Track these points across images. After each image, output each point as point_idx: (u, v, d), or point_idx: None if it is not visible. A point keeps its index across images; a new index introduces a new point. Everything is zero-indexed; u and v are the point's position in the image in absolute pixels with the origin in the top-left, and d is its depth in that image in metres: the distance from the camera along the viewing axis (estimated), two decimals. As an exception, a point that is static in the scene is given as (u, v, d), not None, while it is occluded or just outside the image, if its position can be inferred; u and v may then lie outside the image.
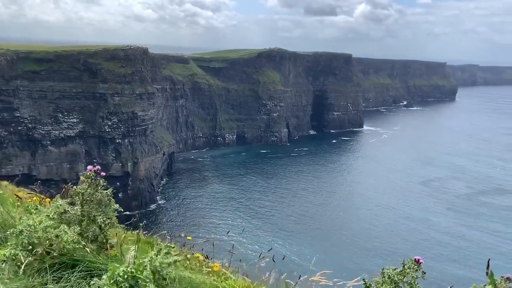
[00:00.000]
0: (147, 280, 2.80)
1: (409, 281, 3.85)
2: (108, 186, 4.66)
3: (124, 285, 2.75)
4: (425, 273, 3.89)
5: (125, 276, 2.80)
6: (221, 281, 5.81)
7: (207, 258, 7.31)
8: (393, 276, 3.87)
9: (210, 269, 6.57)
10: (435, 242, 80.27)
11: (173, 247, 3.15)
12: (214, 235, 71.96)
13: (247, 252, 60.04)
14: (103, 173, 4.23)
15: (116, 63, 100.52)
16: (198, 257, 7.25)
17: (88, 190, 3.96)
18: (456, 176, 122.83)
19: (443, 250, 76.94)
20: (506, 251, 78.21)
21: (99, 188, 4.04)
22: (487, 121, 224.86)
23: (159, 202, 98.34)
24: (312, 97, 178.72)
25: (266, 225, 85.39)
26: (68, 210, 3.79)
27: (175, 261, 3.02)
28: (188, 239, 8.45)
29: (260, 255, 7.68)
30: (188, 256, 7.34)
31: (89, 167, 4.19)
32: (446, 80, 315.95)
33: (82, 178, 4.15)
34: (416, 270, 3.90)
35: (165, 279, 2.87)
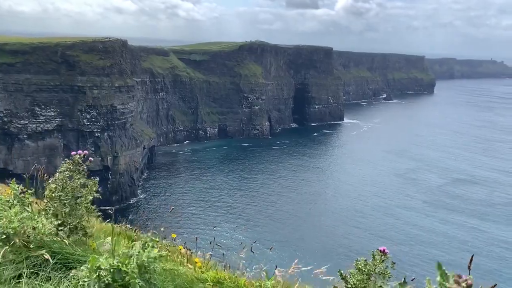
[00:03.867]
0: (135, 276, 2.73)
1: (381, 271, 3.93)
2: (93, 177, 4.58)
3: (107, 278, 2.68)
4: (394, 263, 3.96)
5: (111, 270, 2.76)
6: (203, 273, 5.82)
7: (189, 250, 7.31)
8: (364, 268, 3.96)
9: (192, 261, 6.57)
10: (411, 234, 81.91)
11: (157, 241, 3.09)
12: (196, 228, 71.88)
13: (228, 244, 60.18)
14: (91, 159, 4.12)
15: (94, 55, 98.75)
16: (180, 249, 7.24)
17: (68, 181, 3.88)
18: (431, 169, 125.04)
19: (419, 243, 78.58)
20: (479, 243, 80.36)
21: (82, 173, 3.96)
22: (462, 114, 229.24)
23: (140, 196, 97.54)
24: (293, 90, 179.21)
25: (247, 217, 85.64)
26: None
27: (160, 256, 2.97)
28: (173, 237, 8.40)
29: (251, 248, 7.71)
30: (170, 248, 7.32)
31: (78, 151, 4.08)
32: (424, 73, 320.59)
33: (63, 165, 4.05)
34: (383, 261, 3.98)
35: (149, 273, 2.81)
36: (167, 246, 7.10)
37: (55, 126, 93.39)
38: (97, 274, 2.76)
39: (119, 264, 2.82)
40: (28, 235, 3.29)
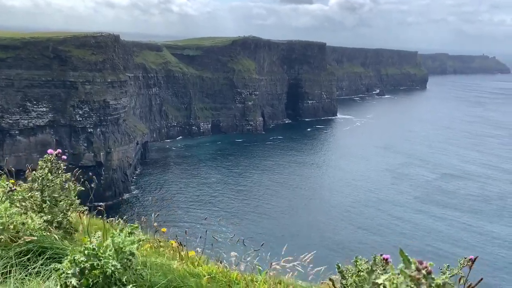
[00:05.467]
0: (110, 258, 2.73)
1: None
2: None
3: (84, 264, 2.68)
4: None
5: (87, 253, 2.76)
6: (195, 267, 5.84)
7: (181, 245, 7.31)
8: (364, 272, 4.02)
9: (184, 256, 6.57)
10: (403, 229, 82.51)
11: (137, 227, 3.10)
12: (189, 223, 71.89)
13: (221, 239, 60.26)
14: (64, 157, 4.11)
15: (86, 50, 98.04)
16: (172, 244, 7.23)
17: (48, 175, 3.86)
18: (423, 164, 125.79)
19: (411, 238, 79.20)
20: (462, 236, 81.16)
21: (60, 172, 3.95)
22: (454, 109, 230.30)
23: (133, 192, 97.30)
24: (287, 85, 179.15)
25: (241, 213, 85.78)
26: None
27: (139, 240, 2.96)
28: (163, 231, 8.39)
29: (243, 241, 7.73)
30: (162, 243, 7.31)
31: (50, 150, 4.07)
32: (417, 68, 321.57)
33: (40, 162, 4.04)
34: (384, 269, 4.04)
35: (129, 260, 2.81)
36: (159, 241, 7.09)
37: (47, 121, 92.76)
38: (74, 260, 2.76)
39: (95, 248, 2.82)
40: (18, 231, 3.28)
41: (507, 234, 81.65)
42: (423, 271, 2.34)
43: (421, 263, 2.39)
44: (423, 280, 2.31)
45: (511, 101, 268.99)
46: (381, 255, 4.26)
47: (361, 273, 4.29)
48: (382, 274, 2.59)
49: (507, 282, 63.99)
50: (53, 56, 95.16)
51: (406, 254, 2.44)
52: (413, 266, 2.39)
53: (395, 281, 2.43)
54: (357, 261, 4.40)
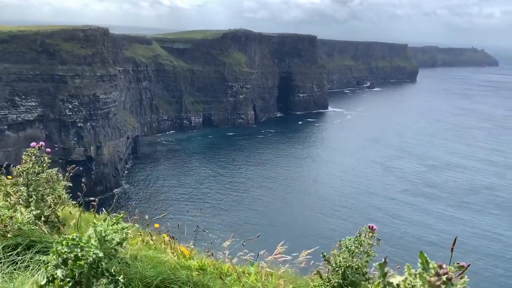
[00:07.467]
0: (93, 247, 2.70)
1: (365, 250, 4.01)
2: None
3: (67, 255, 2.65)
4: (379, 239, 4.04)
5: (65, 243, 2.73)
6: (186, 260, 5.84)
7: (173, 238, 7.31)
8: (350, 246, 4.04)
9: (175, 249, 6.57)
10: (394, 223, 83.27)
11: (121, 217, 3.07)
12: (180, 217, 71.79)
13: (212, 232, 60.36)
14: (48, 149, 4.06)
15: (75, 44, 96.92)
16: (163, 237, 7.23)
17: (33, 169, 3.82)
18: (412, 157, 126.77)
19: (401, 232, 79.97)
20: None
21: (45, 165, 3.90)
22: (443, 102, 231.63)
23: (124, 186, 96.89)
24: (278, 79, 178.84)
25: (232, 206, 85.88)
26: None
27: (123, 228, 2.93)
28: (156, 227, 8.37)
29: (242, 243, 7.75)
30: (153, 237, 7.30)
31: (33, 143, 4.02)
32: (407, 61, 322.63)
33: (24, 157, 3.99)
34: (371, 237, 4.07)
35: (114, 249, 2.76)
36: (150, 235, 7.08)
37: (36, 116, 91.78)
38: (57, 251, 2.73)
39: (75, 238, 2.79)
40: (6, 224, 3.25)
41: (497, 225, 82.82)
42: (443, 277, 2.17)
43: (441, 267, 2.22)
44: (442, 287, 2.14)
45: (499, 94, 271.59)
46: (367, 225, 4.29)
47: (344, 252, 4.32)
48: (395, 275, 2.39)
49: (496, 272, 65.00)
50: (41, 49, 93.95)
51: (426, 256, 2.26)
52: (432, 271, 2.24)
53: (411, 284, 2.24)
54: (341, 243, 4.44)
